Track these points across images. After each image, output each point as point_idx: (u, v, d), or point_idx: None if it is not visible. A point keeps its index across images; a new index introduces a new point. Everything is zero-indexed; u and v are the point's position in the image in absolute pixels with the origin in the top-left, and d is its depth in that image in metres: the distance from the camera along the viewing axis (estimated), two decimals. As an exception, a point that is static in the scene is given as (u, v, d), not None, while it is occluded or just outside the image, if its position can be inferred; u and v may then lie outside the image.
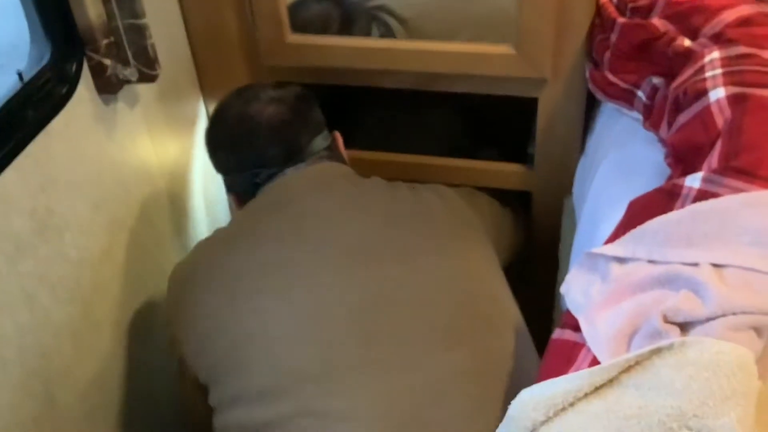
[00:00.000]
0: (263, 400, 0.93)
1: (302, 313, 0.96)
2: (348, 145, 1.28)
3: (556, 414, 0.59)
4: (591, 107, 1.23)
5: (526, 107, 1.30)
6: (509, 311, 1.04)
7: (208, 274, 1.05)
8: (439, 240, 1.06)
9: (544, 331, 0.87)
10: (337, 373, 0.91)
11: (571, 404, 0.60)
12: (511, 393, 0.88)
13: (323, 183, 1.11)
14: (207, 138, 1.23)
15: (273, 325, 0.97)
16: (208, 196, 1.43)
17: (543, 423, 0.59)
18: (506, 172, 1.37)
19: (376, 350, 0.92)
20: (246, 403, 0.95)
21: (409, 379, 0.91)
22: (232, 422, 0.97)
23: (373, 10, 1.46)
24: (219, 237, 1.12)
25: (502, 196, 1.33)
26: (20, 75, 0.95)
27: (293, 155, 1.14)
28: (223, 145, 1.19)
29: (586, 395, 0.60)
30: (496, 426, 0.89)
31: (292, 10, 1.27)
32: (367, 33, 1.44)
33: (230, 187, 1.21)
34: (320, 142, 1.17)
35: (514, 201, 1.36)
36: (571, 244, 1.11)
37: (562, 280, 0.82)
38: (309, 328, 0.95)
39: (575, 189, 1.23)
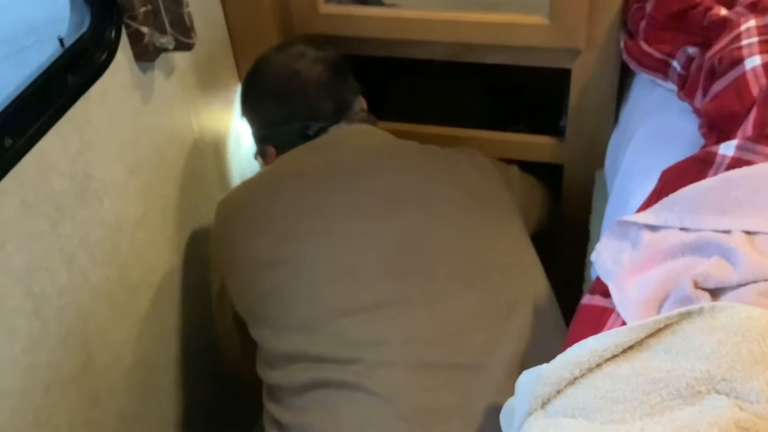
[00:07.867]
0: (302, 332, 1.01)
1: (339, 255, 1.05)
2: (378, 115, 1.29)
3: (582, 374, 0.60)
4: (624, 78, 1.22)
5: (558, 79, 1.29)
6: (526, 262, 1.11)
7: (254, 214, 1.11)
8: (466, 196, 1.13)
9: (574, 304, 0.87)
10: (369, 308, 1.00)
11: (599, 365, 0.60)
12: (526, 334, 0.98)
13: (366, 140, 1.19)
14: (251, 90, 1.27)
15: (313, 266, 1.05)
16: (241, 163, 1.44)
17: (570, 382, 0.60)
18: (538, 145, 1.37)
19: (403, 288, 1.01)
20: (287, 334, 1.03)
21: (432, 312, 1.00)
22: (274, 351, 1.04)
23: None
24: (264, 178, 1.18)
25: (533, 171, 1.33)
26: (61, 41, 0.96)
27: (343, 111, 1.22)
28: (274, 96, 1.23)
29: (614, 357, 0.60)
30: (511, 359, 0.95)
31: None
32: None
33: (267, 140, 1.25)
34: (359, 103, 1.25)
35: (542, 180, 1.37)
36: (602, 218, 1.11)
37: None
38: (345, 269, 1.04)
39: (607, 162, 1.22)
